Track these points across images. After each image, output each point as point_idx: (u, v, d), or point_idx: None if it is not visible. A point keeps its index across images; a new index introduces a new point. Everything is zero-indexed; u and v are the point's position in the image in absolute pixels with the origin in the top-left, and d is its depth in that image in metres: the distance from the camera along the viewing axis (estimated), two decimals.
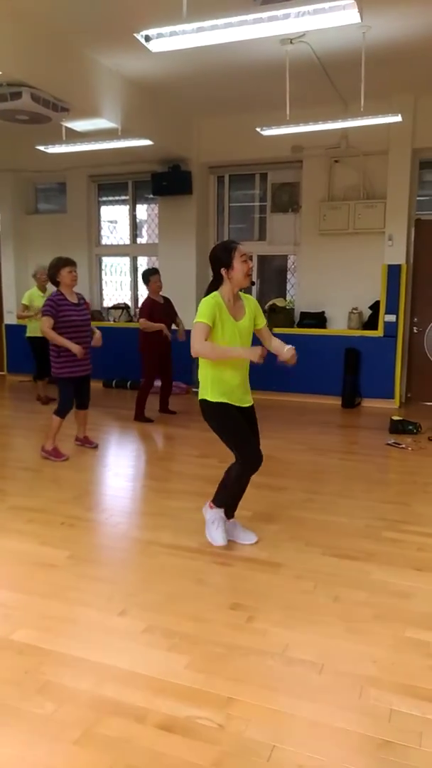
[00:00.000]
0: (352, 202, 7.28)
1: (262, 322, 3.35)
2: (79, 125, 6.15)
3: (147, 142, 6.53)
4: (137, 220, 8.97)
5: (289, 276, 8.32)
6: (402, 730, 1.93)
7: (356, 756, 1.83)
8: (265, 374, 7.55)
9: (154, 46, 3.73)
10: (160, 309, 6.23)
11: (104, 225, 9.15)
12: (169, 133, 7.30)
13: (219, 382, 3.16)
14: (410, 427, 5.90)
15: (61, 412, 4.99)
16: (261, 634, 2.48)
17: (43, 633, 2.49)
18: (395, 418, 6.06)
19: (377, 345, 7.23)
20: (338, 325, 7.60)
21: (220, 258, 3.12)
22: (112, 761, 1.82)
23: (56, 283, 4.97)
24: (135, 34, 3.70)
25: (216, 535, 3.30)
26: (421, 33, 5.11)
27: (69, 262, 4.98)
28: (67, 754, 1.86)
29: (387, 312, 7.15)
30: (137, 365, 6.51)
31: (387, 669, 2.25)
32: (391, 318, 7.13)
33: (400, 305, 7.11)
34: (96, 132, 6.27)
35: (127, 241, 8.96)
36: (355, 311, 7.44)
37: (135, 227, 8.93)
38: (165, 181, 7.79)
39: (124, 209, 8.94)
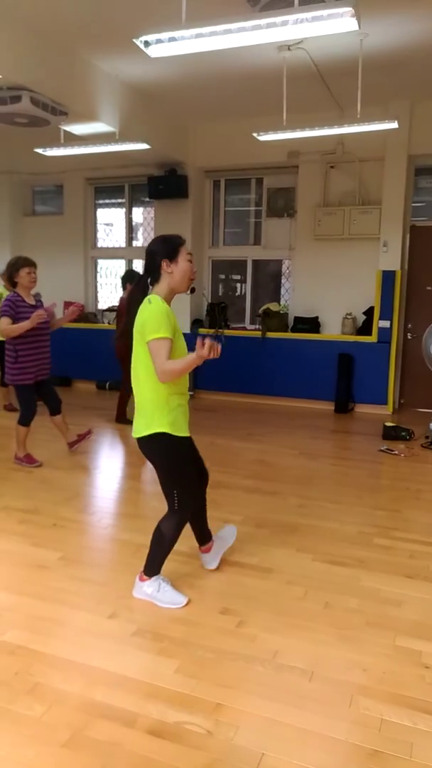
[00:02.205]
0: (347, 207, 7.31)
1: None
2: (78, 129, 6.17)
3: (144, 146, 6.54)
4: (133, 223, 8.98)
5: (283, 281, 8.34)
6: (393, 741, 1.93)
7: (346, 766, 1.83)
8: (258, 378, 7.61)
9: (153, 51, 3.73)
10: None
11: (100, 227, 9.15)
12: (166, 138, 7.32)
13: (176, 409, 2.64)
14: (403, 434, 5.92)
15: (24, 421, 4.86)
16: (251, 640, 2.48)
17: (34, 634, 2.49)
18: (388, 424, 6.08)
19: (371, 351, 7.26)
20: (332, 330, 7.62)
21: (164, 249, 2.64)
22: (101, 765, 1.81)
23: (13, 284, 4.74)
24: (134, 40, 3.70)
25: (173, 596, 2.79)
26: (418, 40, 5.15)
27: (28, 263, 4.77)
28: (56, 757, 1.85)
29: (381, 318, 7.19)
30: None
31: (378, 678, 2.25)
32: (385, 324, 7.16)
33: (394, 311, 7.14)
34: (94, 135, 6.28)
35: (123, 244, 8.96)
36: (349, 316, 7.46)
37: (131, 230, 8.93)
38: (161, 185, 7.81)
39: (121, 212, 8.94)
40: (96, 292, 9.22)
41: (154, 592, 2.80)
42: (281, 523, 3.75)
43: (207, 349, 2.41)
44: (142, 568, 2.87)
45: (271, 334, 7.59)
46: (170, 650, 2.40)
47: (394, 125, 5.73)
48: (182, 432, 2.68)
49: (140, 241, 9.00)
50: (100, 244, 9.13)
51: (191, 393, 7.64)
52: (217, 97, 6.71)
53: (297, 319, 7.71)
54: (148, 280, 2.71)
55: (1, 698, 2.10)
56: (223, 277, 8.65)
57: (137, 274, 6.25)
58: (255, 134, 6.03)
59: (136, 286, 2.73)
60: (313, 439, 6.01)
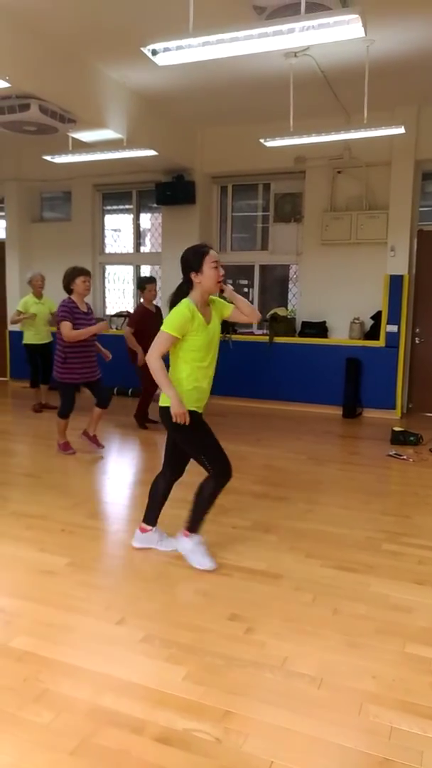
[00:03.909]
0: (354, 212, 7.31)
1: (228, 306, 3.22)
2: (86, 136, 6.21)
3: (152, 153, 6.58)
4: (141, 229, 9.02)
5: (290, 285, 8.34)
6: (402, 748, 1.92)
7: None
8: (266, 383, 7.60)
9: (161, 59, 3.76)
10: (150, 319, 6.14)
11: (108, 233, 9.19)
12: (174, 144, 7.35)
13: (193, 388, 3.05)
14: (411, 438, 5.89)
15: (64, 414, 5.20)
16: (259, 646, 2.47)
17: (42, 640, 2.49)
18: (396, 428, 6.05)
19: (379, 355, 7.24)
20: (340, 334, 7.61)
21: (190, 262, 3.03)
22: None
23: (69, 291, 5.07)
24: (142, 48, 3.73)
25: (203, 560, 3.14)
26: (425, 46, 5.15)
27: (84, 272, 5.09)
28: (64, 764, 1.85)
29: (389, 322, 7.17)
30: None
31: (387, 685, 2.24)
32: (393, 328, 7.14)
33: (402, 316, 7.12)
34: (102, 142, 6.33)
35: (131, 250, 8.99)
36: (356, 321, 7.45)
37: (138, 236, 8.97)
38: (169, 191, 7.84)
39: (128, 218, 8.98)
40: (104, 297, 9.25)
41: (190, 549, 3.16)
42: (290, 529, 3.74)
43: (177, 416, 2.94)
44: (148, 524, 3.33)
45: (278, 339, 7.59)
46: (178, 657, 2.40)
47: (401, 130, 5.74)
48: (195, 406, 3.05)
49: (148, 247, 9.03)
50: (108, 250, 9.17)
51: None
52: (225, 104, 6.74)
53: (304, 323, 7.71)
54: (186, 287, 3.09)
55: (10, 705, 2.10)
56: (230, 282, 8.65)
57: (148, 279, 6.39)
58: (262, 140, 6.05)
59: (177, 292, 3.10)
60: (321, 444, 6.00)
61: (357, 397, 7.31)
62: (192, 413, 3.01)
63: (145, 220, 9.10)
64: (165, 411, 3.04)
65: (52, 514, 3.92)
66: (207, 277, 2.99)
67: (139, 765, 1.84)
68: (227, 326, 7.87)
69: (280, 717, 2.06)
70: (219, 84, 6.01)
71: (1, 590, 2.93)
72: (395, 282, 7.12)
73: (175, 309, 2.98)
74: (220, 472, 3.06)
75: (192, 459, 3.18)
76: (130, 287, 9.06)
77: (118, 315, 8.76)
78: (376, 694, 2.18)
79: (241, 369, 7.55)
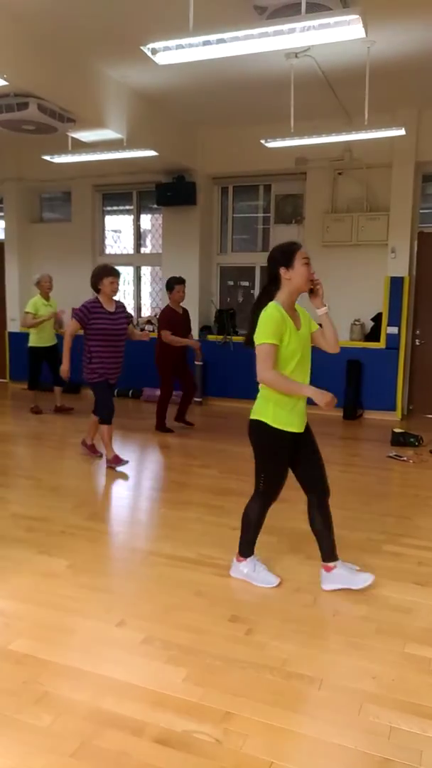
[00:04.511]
0: (355, 214, 7.31)
1: (315, 324, 3.02)
2: (85, 136, 6.21)
3: (152, 153, 6.58)
4: (141, 230, 9.02)
5: None
6: (402, 748, 1.91)
7: None
8: None
9: (161, 58, 3.76)
10: (179, 320, 6.16)
11: (108, 234, 9.19)
12: (174, 145, 7.35)
13: (283, 406, 2.83)
14: (412, 440, 5.88)
15: (106, 418, 4.92)
16: (260, 648, 2.47)
17: (42, 643, 2.48)
18: (397, 430, 6.05)
19: (379, 357, 7.24)
20: (340, 336, 7.54)
21: (280, 258, 2.83)
22: None
23: (97, 290, 4.95)
24: (142, 47, 3.73)
25: (265, 576, 3.02)
26: (425, 47, 5.15)
27: (112, 272, 4.94)
28: (64, 767, 1.84)
29: (389, 324, 7.17)
30: (140, 374, 6.50)
31: (387, 685, 2.23)
32: (394, 330, 7.14)
33: (402, 317, 7.12)
34: (101, 142, 6.32)
35: (131, 251, 8.99)
36: (357, 323, 7.45)
37: (139, 237, 8.97)
38: (169, 192, 7.84)
39: (129, 219, 8.98)
40: None
41: (250, 571, 3.03)
42: (291, 531, 3.73)
43: (324, 403, 2.68)
44: (330, 561, 3.02)
45: None
46: (179, 658, 2.39)
47: (402, 132, 5.74)
48: (283, 426, 2.84)
49: (148, 248, 9.03)
50: (108, 250, 9.17)
51: (199, 400, 7.64)
52: (225, 104, 6.74)
53: None
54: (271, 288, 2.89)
55: (9, 708, 2.09)
56: (231, 283, 8.66)
57: (177, 279, 6.18)
58: (263, 141, 6.05)
59: (262, 293, 2.92)
60: (322, 445, 5.91)
61: (358, 399, 7.30)
62: (282, 434, 2.84)
63: (146, 221, 9.11)
64: (254, 424, 2.89)
65: (52, 516, 3.92)
66: (298, 273, 2.81)
67: (139, 767, 1.84)
68: (227, 327, 7.88)
69: (280, 718, 2.05)
70: (220, 84, 6.01)
71: (1, 593, 2.93)
72: (396, 284, 7.11)
73: (263, 316, 2.76)
74: (269, 493, 2.98)
75: (255, 470, 2.99)
76: (130, 288, 9.05)
77: (148, 322, 8.68)
78: (376, 694, 2.18)
79: (241, 371, 7.53)
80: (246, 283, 8.53)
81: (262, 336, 2.74)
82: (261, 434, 2.88)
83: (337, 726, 2.02)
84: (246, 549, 3.08)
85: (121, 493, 4.66)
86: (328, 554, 3.01)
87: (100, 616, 2.70)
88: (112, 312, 4.93)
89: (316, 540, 3.04)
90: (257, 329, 2.76)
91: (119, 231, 9.24)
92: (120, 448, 5.27)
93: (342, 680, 2.26)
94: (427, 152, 6.88)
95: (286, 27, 3.37)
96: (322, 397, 2.68)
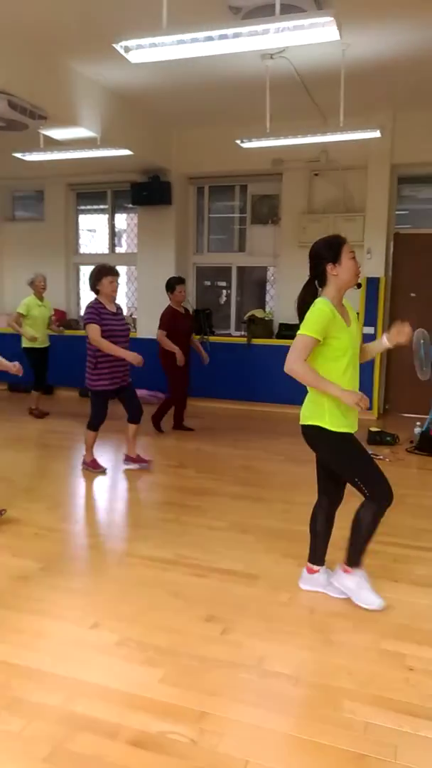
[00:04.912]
0: (331, 215, 7.36)
1: (358, 321, 2.91)
2: (58, 133, 6.13)
3: (126, 152, 6.54)
4: (116, 229, 8.96)
5: (268, 287, 8.36)
6: (377, 744, 1.92)
7: None
8: (244, 385, 7.60)
9: (134, 57, 3.73)
10: (182, 321, 6.09)
11: (82, 233, 9.11)
12: (149, 144, 7.32)
13: (342, 408, 2.67)
14: (388, 438, 5.93)
15: (94, 426, 4.84)
16: (236, 647, 2.45)
17: (13, 647, 2.43)
18: (373, 429, 6.10)
19: None
20: None
21: (324, 254, 2.71)
22: None
23: (96, 291, 4.78)
24: (114, 45, 3.70)
25: (372, 598, 2.76)
26: (400, 51, 5.21)
27: (111, 271, 4.78)
28: None
29: (365, 324, 7.22)
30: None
31: (362, 681, 2.24)
32: (370, 330, 7.19)
33: (378, 318, 7.18)
34: (75, 141, 6.26)
35: (106, 250, 8.93)
36: None
37: (114, 236, 8.91)
38: (145, 191, 7.80)
39: (103, 218, 8.92)
40: (78, 298, 9.17)
41: (356, 587, 2.79)
42: (267, 529, 3.73)
43: (354, 403, 2.56)
44: (315, 563, 2.92)
45: (256, 341, 7.60)
46: (155, 659, 2.37)
47: (377, 134, 5.79)
48: (340, 428, 2.70)
49: (123, 248, 8.98)
50: (83, 250, 9.09)
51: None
52: (201, 104, 6.73)
53: (282, 325, 7.73)
54: (316, 283, 2.78)
55: None
56: (208, 283, 8.65)
57: (178, 279, 6.17)
58: (238, 141, 6.06)
59: (306, 290, 2.78)
60: (299, 444, 5.91)
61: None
62: (348, 435, 2.72)
63: (121, 220, 9.05)
64: (312, 431, 2.75)
65: (24, 517, 3.85)
66: (345, 268, 2.70)
67: None
68: (204, 327, 7.86)
69: (255, 716, 2.04)
70: (195, 84, 6.00)
71: None
72: (372, 284, 7.18)
73: (313, 308, 2.64)
74: (380, 495, 2.72)
75: (347, 480, 2.86)
76: None
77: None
78: (351, 690, 2.18)
79: (218, 370, 7.53)
80: (223, 283, 8.53)
81: (307, 327, 2.61)
82: (326, 442, 2.73)
83: (312, 723, 2.01)
84: (354, 559, 2.80)
85: (96, 494, 4.61)
86: (319, 558, 2.96)
87: (74, 618, 2.66)
88: (115, 313, 4.79)
89: (310, 540, 2.98)
90: (304, 321, 2.64)
91: (94, 230, 9.17)
92: (97, 447, 5.21)
93: (318, 677, 2.26)
94: (402, 154, 6.96)
95: (260, 28, 3.36)
96: (351, 397, 2.57)
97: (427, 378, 5.56)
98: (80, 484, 4.78)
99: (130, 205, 8.28)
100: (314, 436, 2.74)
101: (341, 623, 2.64)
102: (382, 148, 6.89)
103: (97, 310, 4.65)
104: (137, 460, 5.02)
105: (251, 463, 5.30)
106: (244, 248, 8.20)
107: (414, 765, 1.83)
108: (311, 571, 2.96)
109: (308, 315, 2.64)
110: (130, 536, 3.70)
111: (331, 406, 2.68)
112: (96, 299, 4.76)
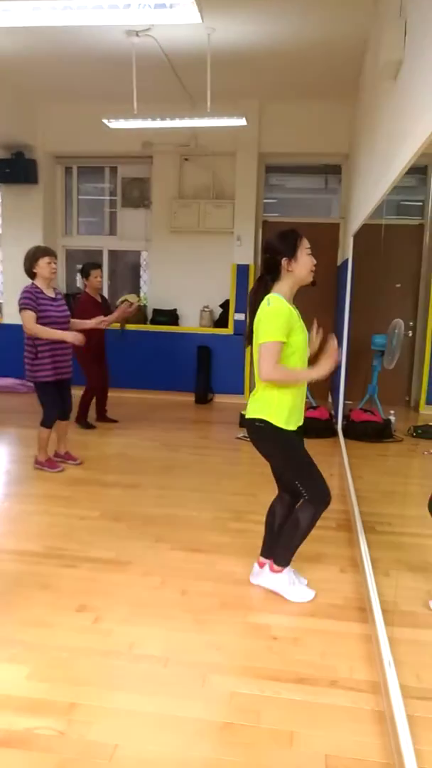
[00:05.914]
0: (202, 201, 7.43)
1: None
2: None
3: None
4: None
5: (141, 272, 8.30)
6: (242, 710, 2.01)
7: (198, 741, 1.87)
8: (119, 371, 7.50)
9: None
10: (95, 309, 5.71)
11: None
12: (11, 118, 6.93)
13: (288, 405, 2.59)
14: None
15: (48, 422, 4.48)
16: (107, 634, 2.44)
17: None
18: (244, 412, 6.28)
19: (228, 342, 7.47)
20: (190, 322, 7.73)
21: (279, 247, 2.57)
22: None
23: (32, 275, 4.38)
24: None
25: (301, 592, 2.76)
26: (262, 42, 5.34)
27: (47, 252, 4.39)
28: None
29: (236, 311, 7.42)
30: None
31: (229, 654, 2.32)
32: (241, 316, 7.40)
33: (248, 304, 7.39)
34: None
35: None
36: (206, 309, 7.61)
37: None
38: (8, 168, 7.39)
39: None
40: None
41: (288, 585, 2.77)
42: (140, 515, 3.73)
43: (328, 370, 2.55)
44: (270, 558, 2.83)
45: (130, 327, 7.52)
46: (22, 656, 2.29)
47: (243, 122, 5.91)
48: (288, 425, 2.60)
49: None
50: None
51: None
52: (66, 79, 6.47)
53: (156, 311, 7.72)
54: (269, 278, 2.63)
55: None
56: (79, 266, 8.38)
57: (93, 265, 5.86)
58: (105, 121, 5.91)
59: (258, 284, 2.65)
60: (174, 430, 6.06)
61: (208, 384, 7.49)
62: (289, 433, 2.61)
63: None
64: (259, 425, 2.62)
65: None
66: (302, 264, 2.57)
67: None
68: (73, 311, 7.62)
69: (126, 701, 2.05)
70: (60, 56, 5.75)
71: None
72: (242, 271, 7.37)
73: (270, 311, 2.49)
74: (320, 498, 2.65)
75: (286, 482, 2.81)
76: None
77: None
78: (219, 664, 2.26)
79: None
80: None
81: (271, 333, 2.46)
82: (271, 438, 2.62)
83: (180, 699, 2.06)
84: (285, 558, 2.78)
85: None
86: (271, 551, 2.90)
87: None
88: (54, 298, 4.43)
89: (265, 533, 2.92)
90: (263, 326, 2.49)
91: None
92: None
93: (188, 656, 2.31)
94: (268, 143, 7.18)
95: (121, 2, 3.29)
96: (325, 367, 2.57)
97: (392, 368, 5.70)
98: None
99: None
100: (260, 430, 2.63)
101: (211, 602, 2.72)
102: (249, 137, 7.06)
103: (33, 295, 4.29)
104: (66, 457, 4.81)
105: (127, 451, 5.26)
106: (116, 232, 8.05)
107: (276, 725, 1.94)
108: (263, 565, 2.91)
109: (267, 318, 2.49)
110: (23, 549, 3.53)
111: (281, 403, 2.59)
112: (32, 283, 4.39)
